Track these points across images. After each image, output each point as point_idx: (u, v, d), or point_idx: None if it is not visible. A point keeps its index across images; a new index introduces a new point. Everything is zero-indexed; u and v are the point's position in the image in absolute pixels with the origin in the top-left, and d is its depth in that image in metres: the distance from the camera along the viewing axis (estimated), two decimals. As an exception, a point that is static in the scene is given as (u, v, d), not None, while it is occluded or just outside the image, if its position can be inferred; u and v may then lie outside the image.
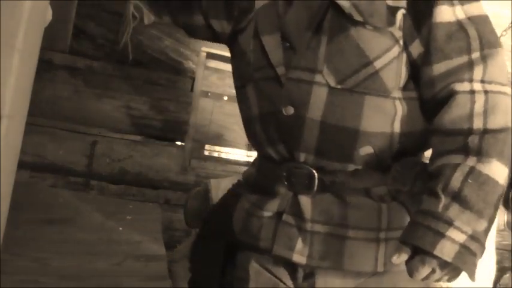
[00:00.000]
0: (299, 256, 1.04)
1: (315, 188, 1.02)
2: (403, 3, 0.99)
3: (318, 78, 0.99)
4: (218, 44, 1.32)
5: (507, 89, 0.98)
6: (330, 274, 1.06)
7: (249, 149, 2.69)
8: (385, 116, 1.00)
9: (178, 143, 2.64)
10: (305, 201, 1.04)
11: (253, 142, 1.16)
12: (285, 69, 1.03)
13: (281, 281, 1.10)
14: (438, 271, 0.91)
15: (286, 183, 1.05)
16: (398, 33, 1.00)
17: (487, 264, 2.56)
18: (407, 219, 1.02)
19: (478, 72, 0.96)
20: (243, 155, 2.70)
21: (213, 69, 2.61)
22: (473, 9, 1.01)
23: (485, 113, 0.94)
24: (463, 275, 0.93)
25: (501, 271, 2.78)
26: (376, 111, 0.99)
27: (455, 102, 0.96)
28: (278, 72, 1.03)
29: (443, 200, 0.91)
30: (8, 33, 0.79)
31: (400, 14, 0.99)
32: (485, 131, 0.93)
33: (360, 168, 1.02)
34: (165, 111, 2.62)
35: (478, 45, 0.98)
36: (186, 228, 2.35)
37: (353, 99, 0.98)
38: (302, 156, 1.03)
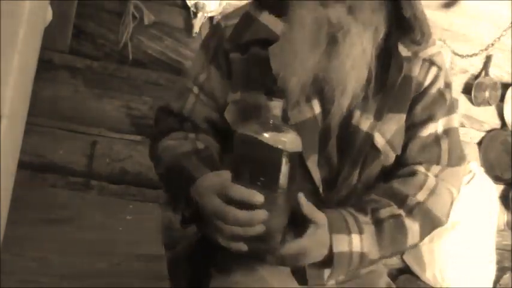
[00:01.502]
0: (330, 282, 1.16)
1: None
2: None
3: None
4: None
5: (456, 193, 1.18)
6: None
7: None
8: None
9: (178, 143, 2.63)
10: None
11: None
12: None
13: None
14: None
15: None
16: None
17: (487, 264, 2.56)
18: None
19: (438, 171, 1.16)
20: (243, 155, 2.69)
21: (213, 69, 2.60)
22: (452, 121, 1.20)
23: (431, 194, 1.13)
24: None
25: (501, 271, 2.78)
26: None
27: (414, 178, 1.14)
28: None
29: (369, 217, 1.08)
30: (8, 33, 0.79)
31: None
32: (423, 203, 1.12)
33: None
34: (165, 111, 2.62)
35: (446, 160, 1.18)
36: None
37: None
38: None
